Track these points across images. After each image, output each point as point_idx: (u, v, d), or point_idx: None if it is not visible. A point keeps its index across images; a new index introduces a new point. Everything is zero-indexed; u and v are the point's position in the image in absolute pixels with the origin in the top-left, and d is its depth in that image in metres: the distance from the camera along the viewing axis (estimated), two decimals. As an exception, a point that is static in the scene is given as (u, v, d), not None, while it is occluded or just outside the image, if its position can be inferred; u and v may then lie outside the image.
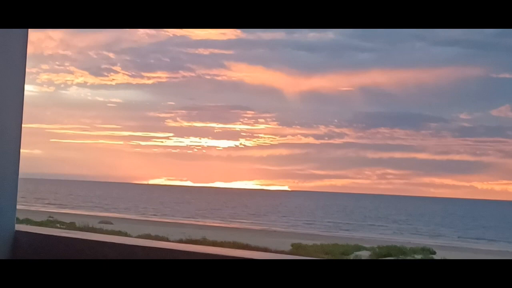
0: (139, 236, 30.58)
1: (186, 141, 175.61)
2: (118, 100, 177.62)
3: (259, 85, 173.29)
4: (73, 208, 73.34)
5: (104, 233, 28.80)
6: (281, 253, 16.87)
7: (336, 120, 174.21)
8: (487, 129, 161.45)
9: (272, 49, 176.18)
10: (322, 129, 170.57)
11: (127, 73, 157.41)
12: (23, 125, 3.87)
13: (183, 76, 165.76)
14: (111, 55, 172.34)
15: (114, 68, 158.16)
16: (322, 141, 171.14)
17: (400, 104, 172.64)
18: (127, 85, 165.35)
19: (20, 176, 3.87)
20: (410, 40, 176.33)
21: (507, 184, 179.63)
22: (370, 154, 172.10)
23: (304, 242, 37.24)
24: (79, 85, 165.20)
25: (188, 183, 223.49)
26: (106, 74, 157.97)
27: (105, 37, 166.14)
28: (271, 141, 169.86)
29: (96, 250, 3.56)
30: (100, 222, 44.46)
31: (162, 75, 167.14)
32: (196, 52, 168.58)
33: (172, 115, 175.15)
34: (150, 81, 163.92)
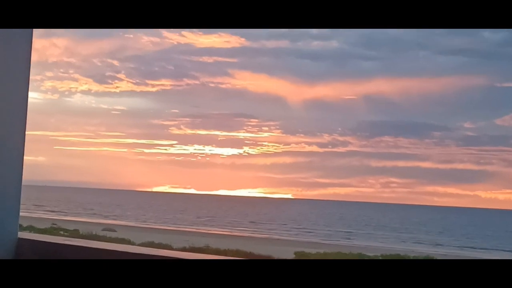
0: (142, 244, 30.58)
1: (190, 149, 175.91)
2: (122, 108, 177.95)
3: (263, 93, 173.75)
4: (76, 215, 73.33)
5: (107, 241, 28.82)
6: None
7: (340, 129, 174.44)
8: (491, 138, 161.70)
9: (276, 57, 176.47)
10: (326, 138, 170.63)
11: (131, 80, 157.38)
12: (27, 132, 3.87)
13: (187, 84, 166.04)
14: (116, 62, 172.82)
15: (118, 75, 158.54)
16: (326, 149, 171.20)
17: (404, 112, 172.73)
18: (131, 93, 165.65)
19: (23, 183, 3.87)
20: (414, 48, 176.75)
21: (511, 193, 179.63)
22: (374, 163, 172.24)
23: (307, 250, 37.29)
24: (83, 92, 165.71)
25: (192, 191, 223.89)
26: (110, 81, 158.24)
27: (109, 44, 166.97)
28: (275, 149, 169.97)
29: (100, 258, 3.55)
30: (103, 230, 44.42)
31: (166, 83, 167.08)
32: (200, 60, 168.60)
33: (176, 122, 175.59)
34: (154, 89, 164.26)
